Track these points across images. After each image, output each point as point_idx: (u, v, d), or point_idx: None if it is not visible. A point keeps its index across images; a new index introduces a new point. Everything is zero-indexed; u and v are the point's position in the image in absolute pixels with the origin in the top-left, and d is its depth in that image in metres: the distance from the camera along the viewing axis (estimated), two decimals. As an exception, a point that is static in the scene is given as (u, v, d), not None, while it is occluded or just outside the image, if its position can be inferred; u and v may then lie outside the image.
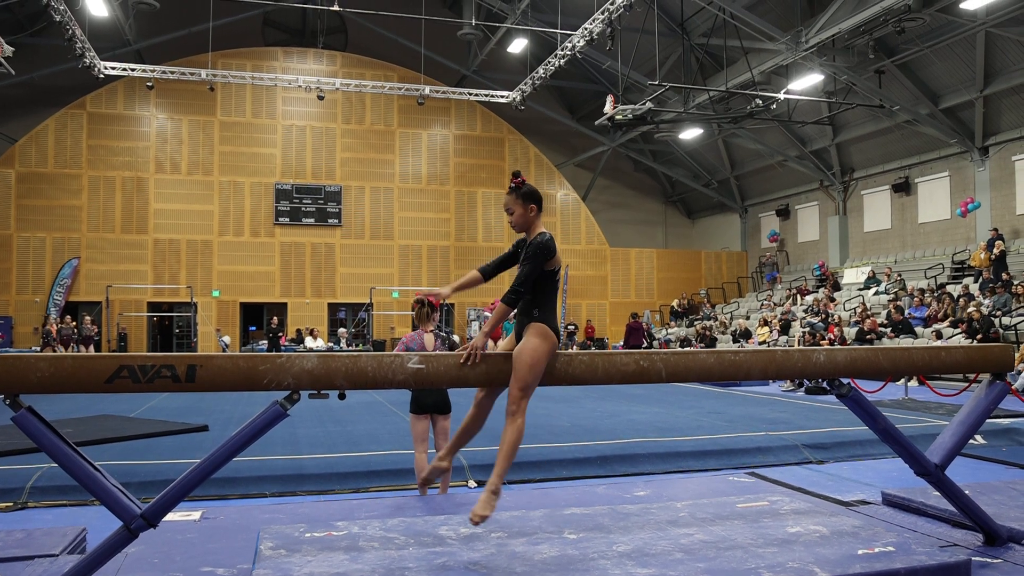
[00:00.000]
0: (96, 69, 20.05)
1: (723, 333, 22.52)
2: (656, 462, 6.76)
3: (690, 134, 23.84)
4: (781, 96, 18.73)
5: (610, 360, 3.51)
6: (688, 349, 4.60)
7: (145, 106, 24.42)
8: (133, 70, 21.00)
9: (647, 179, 30.30)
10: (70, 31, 17.92)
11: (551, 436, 7.92)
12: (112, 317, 23.19)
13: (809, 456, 7.10)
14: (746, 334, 20.20)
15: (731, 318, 24.11)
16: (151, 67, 21.22)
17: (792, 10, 18.70)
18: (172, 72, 21.22)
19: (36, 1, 17.37)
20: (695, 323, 24.41)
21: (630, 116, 18.79)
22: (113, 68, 20.63)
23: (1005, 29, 16.47)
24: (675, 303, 26.73)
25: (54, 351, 19.13)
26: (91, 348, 20.56)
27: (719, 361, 3.65)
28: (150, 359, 2.98)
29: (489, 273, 3.63)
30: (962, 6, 15.48)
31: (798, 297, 22.57)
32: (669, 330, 25.23)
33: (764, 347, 18.32)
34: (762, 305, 23.88)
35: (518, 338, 3.49)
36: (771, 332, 19.69)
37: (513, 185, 3.52)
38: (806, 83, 19.29)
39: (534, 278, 3.45)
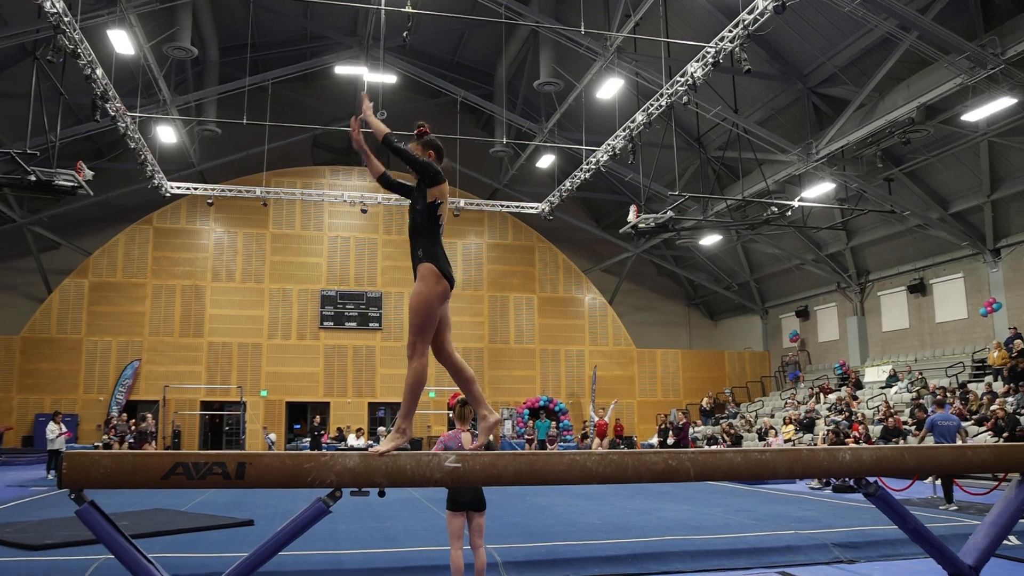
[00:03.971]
0: (163, 189, 20.97)
1: (748, 431, 21.96)
2: (686, 560, 6.51)
3: (710, 240, 24.00)
4: (795, 204, 18.85)
5: (640, 459, 3.46)
6: (715, 448, 4.52)
7: (205, 220, 25.36)
8: (196, 189, 21.91)
9: (670, 283, 30.37)
10: (142, 156, 18.88)
11: (582, 534, 7.70)
12: (168, 415, 23.40)
13: (839, 555, 6.79)
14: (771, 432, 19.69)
15: (756, 416, 23.55)
16: (212, 186, 22.13)
17: (802, 124, 19.06)
18: (231, 190, 22.11)
19: (114, 131, 18.43)
20: (721, 421, 23.87)
21: (652, 224, 19.03)
22: (178, 187, 21.56)
23: (1007, 138, 16.50)
24: (703, 401, 26.26)
25: (109, 446, 19.22)
26: (153, 444, 20.63)
27: (746, 460, 3.58)
28: (203, 456, 3.01)
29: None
30: (963, 118, 15.61)
31: (821, 395, 22.05)
32: (695, 428, 24.67)
33: (789, 445, 17.81)
34: (786, 403, 23.33)
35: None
36: (780, 431, 19.15)
37: (416, 133, 3.67)
38: (819, 191, 19.41)
39: (408, 159, 3.59)
